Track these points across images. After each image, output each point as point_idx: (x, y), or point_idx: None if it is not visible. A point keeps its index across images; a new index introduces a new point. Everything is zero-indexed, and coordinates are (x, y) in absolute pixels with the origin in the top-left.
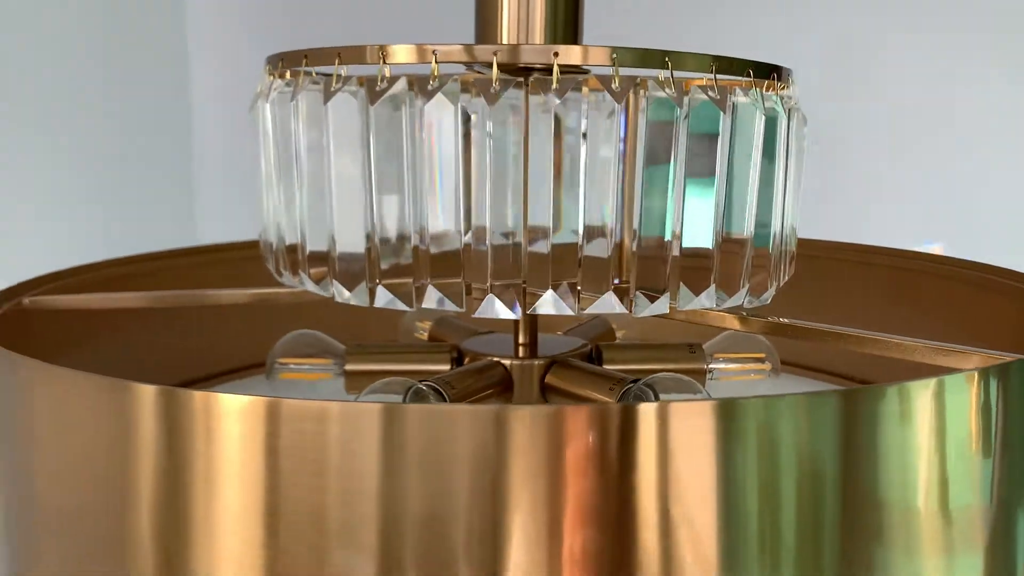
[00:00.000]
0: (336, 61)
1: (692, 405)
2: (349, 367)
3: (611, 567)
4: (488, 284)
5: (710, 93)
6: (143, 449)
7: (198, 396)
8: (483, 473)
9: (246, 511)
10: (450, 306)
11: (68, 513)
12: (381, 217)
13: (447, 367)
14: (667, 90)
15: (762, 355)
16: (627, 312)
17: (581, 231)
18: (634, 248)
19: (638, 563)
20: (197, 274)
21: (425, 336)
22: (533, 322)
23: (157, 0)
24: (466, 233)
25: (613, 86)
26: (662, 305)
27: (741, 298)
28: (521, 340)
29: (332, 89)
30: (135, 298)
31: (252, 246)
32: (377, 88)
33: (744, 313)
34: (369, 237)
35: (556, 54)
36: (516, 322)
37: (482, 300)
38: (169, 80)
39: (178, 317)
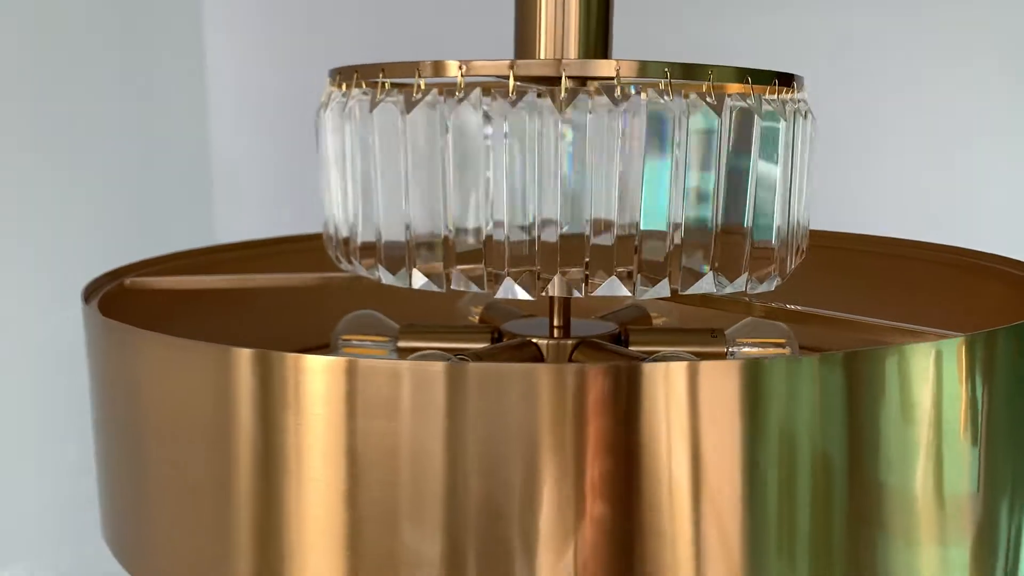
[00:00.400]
0: (380, 75)
1: (709, 364)
2: (401, 344)
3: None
4: (506, 270)
5: (708, 99)
6: (241, 405)
7: (288, 357)
8: (529, 422)
9: (329, 455)
10: (474, 288)
11: (175, 464)
12: (417, 212)
13: (487, 345)
14: (665, 97)
15: (782, 340)
16: (630, 295)
17: (588, 223)
18: (637, 238)
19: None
20: (273, 262)
21: (476, 319)
22: (566, 307)
23: (173, 1)
24: (487, 225)
25: (617, 94)
26: (663, 289)
27: (743, 284)
28: (556, 323)
29: (376, 99)
30: (224, 280)
31: (317, 237)
32: (413, 98)
33: (748, 299)
34: (408, 229)
35: (564, 67)
36: (551, 306)
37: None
38: (185, 81)
39: (253, 302)
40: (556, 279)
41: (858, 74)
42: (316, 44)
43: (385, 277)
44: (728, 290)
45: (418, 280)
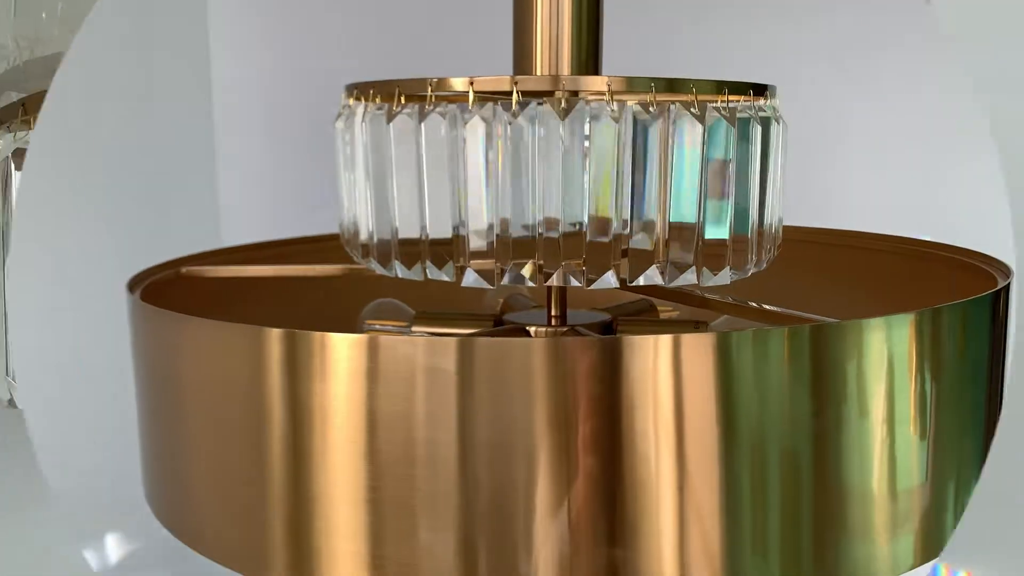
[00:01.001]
0: (370, 91)
1: (681, 337)
2: (416, 328)
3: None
4: (467, 262)
5: (651, 109)
6: (272, 378)
7: (315, 335)
8: (526, 386)
9: (352, 420)
10: (444, 278)
11: (214, 431)
12: (401, 214)
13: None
14: (609, 107)
15: None
16: (582, 285)
17: (539, 221)
18: (585, 234)
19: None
20: (310, 258)
21: (498, 309)
22: (563, 298)
23: (180, 3)
24: (455, 226)
25: (562, 106)
26: (610, 279)
27: (692, 277)
28: (553, 312)
29: (366, 111)
30: (272, 270)
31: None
32: (393, 111)
33: (699, 291)
34: (393, 231)
35: (516, 82)
36: (548, 297)
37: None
38: (190, 84)
39: (287, 292)
40: (508, 270)
41: (837, 81)
42: (320, 51)
43: (378, 268)
44: (677, 282)
45: (401, 271)
